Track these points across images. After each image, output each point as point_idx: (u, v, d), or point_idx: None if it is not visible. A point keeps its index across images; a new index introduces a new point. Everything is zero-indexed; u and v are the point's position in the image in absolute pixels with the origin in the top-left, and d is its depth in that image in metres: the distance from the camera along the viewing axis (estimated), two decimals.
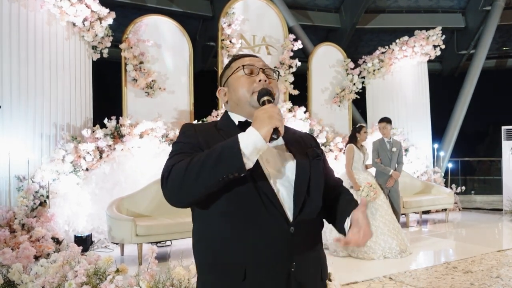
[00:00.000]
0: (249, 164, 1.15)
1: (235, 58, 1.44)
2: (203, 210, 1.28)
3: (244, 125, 1.33)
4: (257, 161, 1.21)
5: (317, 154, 1.41)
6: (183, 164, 1.18)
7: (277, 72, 1.43)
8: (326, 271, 1.42)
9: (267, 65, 1.41)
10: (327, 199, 1.44)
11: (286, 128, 1.42)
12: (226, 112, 1.44)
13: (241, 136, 1.15)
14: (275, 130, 1.15)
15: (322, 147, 7.83)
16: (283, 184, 1.29)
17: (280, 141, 1.37)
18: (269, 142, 1.17)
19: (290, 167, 1.32)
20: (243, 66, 1.37)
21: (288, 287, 1.24)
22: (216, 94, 1.46)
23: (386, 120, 6.00)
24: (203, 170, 1.15)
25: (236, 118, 1.39)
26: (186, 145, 1.30)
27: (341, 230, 1.38)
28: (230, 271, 1.24)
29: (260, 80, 1.34)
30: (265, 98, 1.27)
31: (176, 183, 1.19)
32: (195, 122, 6.62)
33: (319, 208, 1.37)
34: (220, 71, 7.30)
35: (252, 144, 1.13)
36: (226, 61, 7.35)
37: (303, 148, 1.41)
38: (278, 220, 1.24)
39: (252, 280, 1.22)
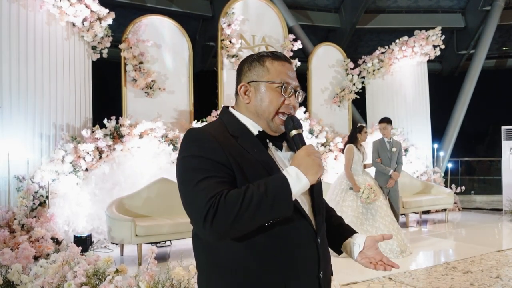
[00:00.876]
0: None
1: (272, 57, 1.32)
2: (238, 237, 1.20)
3: (264, 137, 1.30)
4: None
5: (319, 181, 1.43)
6: (234, 202, 1.10)
7: (304, 94, 1.36)
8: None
9: (298, 84, 1.34)
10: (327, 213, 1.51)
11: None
12: (231, 113, 1.35)
13: (292, 181, 1.15)
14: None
15: (322, 148, 7.85)
16: (302, 196, 1.29)
17: (285, 146, 1.37)
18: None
19: None
20: (283, 84, 1.28)
21: None
22: (237, 88, 1.34)
23: (386, 121, 5.98)
24: (258, 213, 1.11)
25: (250, 124, 1.31)
26: (214, 165, 1.17)
27: (337, 249, 1.48)
28: (270, 286, 1.21)
29: (289, 104, 1.29)
30: (296, 132, 1.26)
31: (227, 223, 1.10)
32: (195, 124, 6.61)
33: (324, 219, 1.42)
34: (220, 71, 7.32)
35: (301, 190, 1.18)
36: (226, 61, 7.35)
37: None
38: (309, 232, 1.27)
39: None
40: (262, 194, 1.11)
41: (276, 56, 1.33)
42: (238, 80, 1.35)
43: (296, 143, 1.26)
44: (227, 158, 1.18)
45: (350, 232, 1.47)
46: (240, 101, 1.34)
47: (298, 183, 1.15)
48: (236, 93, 1.35)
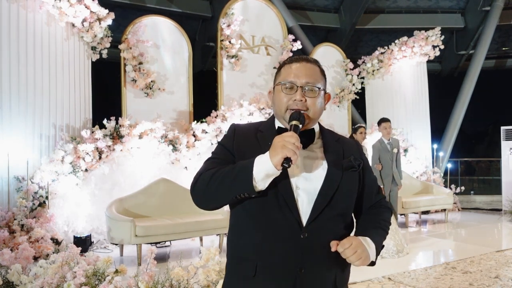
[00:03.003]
0: (260, 187, 1.24)
1: (288, 62, 1.44)
2: (233, 206, 1.40)
3: (282, 131, 1.36)
4: None
5: (352, 166, 1.39)
6: (208, 176, 1.30)
7: (317, 88, 1.39)
8: (344, 278, 1.47)
9: (310, 80, 1.38)
10: (359, 217, 1.51)
11: (330, 133, 1.50)
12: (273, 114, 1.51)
13: (257, 162, 1.23)
14: (287, 159, 1.19)
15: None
16: (307, 190, 1.33)
17: (319, 146, 1.42)
18: (282, 169, 1.21)
19: (320, 175, 1.35)
20: (284, 84, 1.39)
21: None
22: (267, 94, 1.52)
23: (389, 120, 6.00)
24: (220, 187, 1.28)
25: (277, 123, 1.45)
26: (222, 149, 1.42)
27: None
28: (245, 264, 1.33)
29: (295, 100, 1.36)
30: (294, 122, 1.31)
31: (200, 192, 1.33)
32: (195, 124, 6.60)
33: (341, 218, 1.38)
34: (219, 72, 7.33)
35: (264, 171, 1.22)
36: (225, 61, 7.36)
37: (340, 157, 1.41)
38: (291, 224, 1.30)
39: (262, 277, 1.30)
40: (229, 170, 1.27)
41: (290, 59, 1.45)
42: None
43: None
44: (233, 146, 1.40)
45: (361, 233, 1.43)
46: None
47: (261, 164, 1.22)
48: None
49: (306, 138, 1.37)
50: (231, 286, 1.39)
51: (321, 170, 1.36)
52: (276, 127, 1.43)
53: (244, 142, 1.40)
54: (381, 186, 5.71)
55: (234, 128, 1.46)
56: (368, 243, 1.36)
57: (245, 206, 1.34)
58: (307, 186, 1.33)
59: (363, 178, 1.46)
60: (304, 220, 1.30)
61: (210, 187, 1.29)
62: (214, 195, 1.30)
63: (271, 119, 1.48)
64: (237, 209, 1.38)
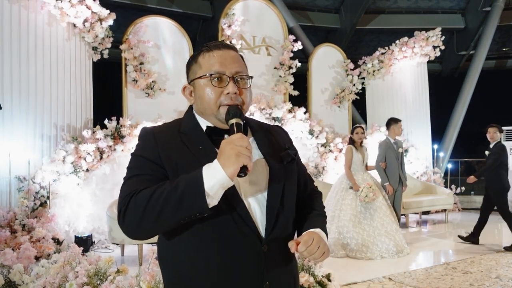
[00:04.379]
0: (213, 202, 1.07)
1: (205, 50, 1.25)
2: (171, 236, 1.18)
3: (212, 131, 1.22)
4: None
5: (291, 157, 1.27)
6: (143, 200, 1.07)
7: (250, 78, 1.25)
8: (298, 279, 1.35)
9: (239, 69, 1.23)
10: (299, 209, 1.34)
11: (256, 124, 1.33)
12: (191, 110, 1.31)
13: (206, 174, 1.05)
14: (243, 168, 1.05)
15: (322, 148, 7.84)
16: (255, 195, 1.19)
17: (251, 141, 1.26)
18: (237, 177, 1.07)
19: (263, 175, 1.21)
20: (211, 75, 1.20)
21: None
22: (181, 91, 1.32)
23: (401, 120, 6.04)
24: (164, 211, 1.05)
25: (203, 122, 1.26)
26: (144, 163, 1.17)
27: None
28: None
29: (228, 93, 1.19)
30: (234, 121, 1.14)
31: (135, 221, 1.09)
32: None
33: (291, 218, 1.27)
34: None
35: (217, 184, 1.04)
36: None
37: (276, 149, 1.28)
38: (250, 239, 1.15)
39: None
40: (171, 190, 1.05)
41: (208, 47, 1.25)
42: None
43: (232, 133, 1.13)
44: (159, 156, 1.16)
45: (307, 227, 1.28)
46: (192, 104, 1.31)
47: (212, 176, 1.04)
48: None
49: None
50: None
51: (263, 169, 1.21)
52: (205, 127, 1.23)
53: (170, 150, 1.17)
54: (386, 184, 5.72)
55: (152, 134, 1.21)
56: (323, 235, 1.25)
57: (194, 231, 1.13)
58: (254, 191, 1.18)
59: (298, 167, 1.34)
60: (262, 231, 1.16)
61: (148, 213, 1.06)
62: (156, 222, 1.06)
63: (191, 118, 1.27)
64: (181, 238, 1.15)
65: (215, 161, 1.06)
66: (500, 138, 5.94)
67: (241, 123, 1.15)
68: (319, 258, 1.17)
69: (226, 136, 1.15)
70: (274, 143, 1.30)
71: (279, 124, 7.15)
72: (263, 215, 1.18)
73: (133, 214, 1.08)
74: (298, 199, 1.33)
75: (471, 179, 5.77)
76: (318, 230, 1.24)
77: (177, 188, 1.05)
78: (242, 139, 1.06)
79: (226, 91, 1.19)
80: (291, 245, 1.15)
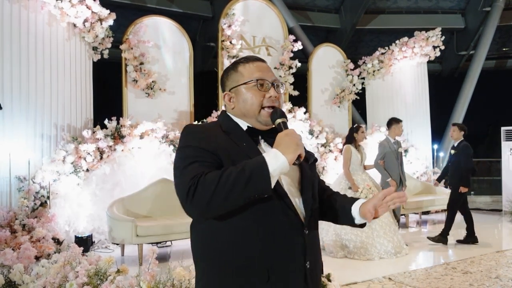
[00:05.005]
0: (273, 184, 1.22)
1: (244, 61, 1.44)
2: (226, 217, 1.28)
3: (252, 131, 1.39)
4: None
5: (314, 158, 1.46)
6: (212, 180, 1.19)
7: (284, 84, 1.47)
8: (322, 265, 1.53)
9: (275, 77, 1.43)
10: (322, 201, 1.52)
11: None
12: (226, 114, 1.45)
13: (269, 160, 1.20)
14: (298, 156, 1.23)
15: (322, 148, 7.86)
16: (292, 187, 1.37)
17: None
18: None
19: (295, 170, 1.39)
20: (257, 80, 1.38)
21: (306, 283, 1.32)
22: (222, 98, 1.50)
23: (402, 120, 6.07)
24: (233, 190, 1.18)
25: (243, 123, 1.42)
26: (202, 152, 1.29)
27: (349, 220, 1.47)
28: (251, 273, 1.27)
29: (270, 97, 1.38)
30: (280, 120, 1.33)
31: (205, 199, 1.19)
32: (195, 123, 6.63)
33: (318, 210, 1.45)
34: (220, 72, 7.30)
35: (279, 169, 1.20)
36: (226, 62, 7.37)
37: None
38: (295, 223, 1.32)
39: (275, 281, 1.28)
40: (239, 172, 1.18)
41: (246, 59, 1.45)
42: (222, 91, 1.48)
43: (280, 130, 1.31)
44: (216, 148, 1.29)
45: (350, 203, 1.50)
46: (228, 109, 1.47)
47: (275, 161, 1.19)
48: (225, 104, 1.48)
49: (273, 137, 1.34)
50: None
51: (295, 166, 1.35)
52: (245, 127, 1.40)
53: (221, 143, 1.32)
54: (388, 180, 5.71)
55: (203, 130, 1.37)
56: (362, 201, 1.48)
57: (242, 213, 1.26)
58: (291, 183, 1.37)
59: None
60: (302, 218, 1.34)
61: (218, 192, 1.18)
62: (225, 200, 1.19)
63: (228, 120, 1.43)
64: (225, 218, 1.27)
65: (274, 149, 1.22)
66: (463, 137, 6.01)
67: (286, 121, 1.34)
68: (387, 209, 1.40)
69: (262, 140, 1.39)
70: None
71: None
72: (301, 204, 1.36)
73: (204, 192, 1.19)
74: (321, 197, 1.52)
75: (464, 189, 5.80)
76: (359, 201, 1.47)
77: (244, 171, 1.18)
78: (297, 133, 1.25)
79: (269, 95, 1.38)
80: (370, 215, 1.37)
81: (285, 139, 1.24)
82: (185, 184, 1.21)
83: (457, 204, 5.91)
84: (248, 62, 1.43)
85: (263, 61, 1.46)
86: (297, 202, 1.35)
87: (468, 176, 5.86)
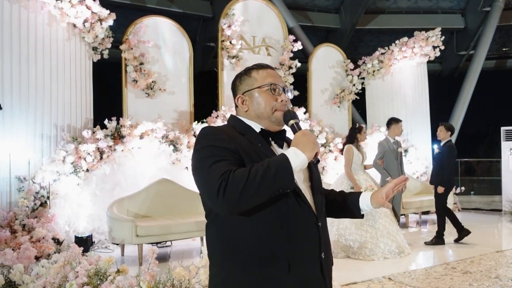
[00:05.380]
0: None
1: (256, 68, 1.55)
2: (251, 212, 1.35)
3: (265, 133, 1.48)
4: None
5: (317, 160, 1.50)
6: (242, 177, 1.26)
7: (292, 91, 1.57)
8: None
9: (285, 84, 1.55)
10: (327, 198, 1.62)
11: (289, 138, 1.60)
12: (237, 118, 1.54)
13: (291, 157, 1.30)
14: (315, 154, 1.34)
15: (322, 148, 7.86)
16: (304, 184, 1.48)
17: (288, 145, 1.53)
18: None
19: (305, 170, 1.49)
20: (270, 85, 1.49)
21: (322, 272, 1.42)
22: (235, 101, 1.56)
23: (401, 120, 6.08)
24: (261, 185, 1.26)
25: (253, 124, 1.50)
26: (225, 151, 1.35)
27: (356, 212, 1.59)
28: (274, 263, 1.34)
29: (282, 101, 1.48)
30: (293, 121, 1.44)
31: (236, 195, 1.26)
32: (195, 124, 6.62)
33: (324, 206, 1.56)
34: (220, 72, 7.34)
35: (300, 165, 1.31)
36: (226, 62, 7.37)
37: None
38: (310, 215, 1.42)
39: (296, 271, 1.35)
40: (265, 169, 1.27)
41: (260, 66, 1.56)
42: (234, 94, 1.58)
43: (294, 130, 1.43)
44: (236, 147, 1.37)
45: (357, 197, 1.61)
46: (239, 111, 1.55)
47: (296, 158, 1.30)
48: (236, 106, 1.57)
49: (282, 138, 1.51)
50: None
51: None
52: (258, 129, 1.49)
53: (240, 144, 1.40)
54: (388, 179, 5.72)
55: (222, 131, 1.43)
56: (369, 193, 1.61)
57: (261, 207, 1.33)
58: (303, 180, 1.47)
59: None
60: (314, 211, 1.44)
61: (248, 188, 1.25)
62: (254, 195, 1.27)
63: (240, 122, 1.51)
64: (265, 211, 1.34)
65: (293, 148, 1.33)
66: (450, 137, 6.01)
67: (299, 121, 1.45)
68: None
69: (272, 142, 1.49)
70: None
71: None
72: (312, 199, 1.46)
73: (234, 188, 1.25)
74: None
75: (440, 189, 5.81)
76: (364, 194, 1.59)
77: (269, 167, 1.27)
78: (312, 133, 1.38)
79: (281, 99, 1.49)
80: (385, 203, 1.52)
81: (302, 138, 1.34)
82: (215, 182, 1.27)
83: (442, 204, 5.93)
84: (261, 68, 1.54)
85: (273, 69, 1.57)
86: (308, 195, 1.45)
87: (450, 176, 5.85)
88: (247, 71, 1.56)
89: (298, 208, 1.39)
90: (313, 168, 1.52)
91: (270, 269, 1.34)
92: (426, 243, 5.87)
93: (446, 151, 5.85)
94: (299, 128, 1.42)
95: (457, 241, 5.94)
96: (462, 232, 5.90)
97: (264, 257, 1.34)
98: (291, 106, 1.54)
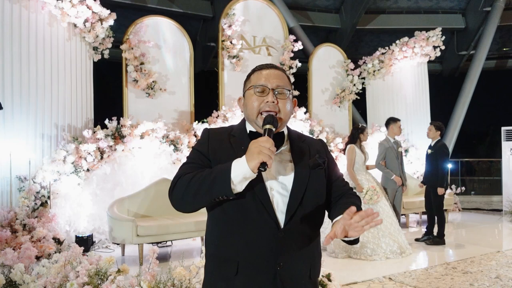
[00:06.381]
0: (238, 189, 1.30)
1: (258, 69, 1.53)
2: (210, 210, 1.46)
3: (255, 135, 1.45)
4: None
5: (318, 164, 1.48)
6: (186, 180, 1.36)
7: (289, 91, 1.49)
8: (316, 270, 1.51)
9: (280, 83, 1.47)
10: (332, 204, 1.54)
11: (296, 135, 1.57)
12: (244, 119, 1.57)
13: (234, 166, 1.29)
14: (263, 164, 1.25)
15: None
16: (280, 192, 1.42)
17: (287, 149, 1.50)
18: (258, 172, 1.28)
19: (289, 176, 1.44)
20: (254, 87, 1.47)
21: (274, 284, 1.37)
22: (237, 101, 1.60)
23: (400, 120, 6.07)
24: (199, 190, 1.33)
25: (249, 127, 1.52)
26: (197, 154, 1.47)
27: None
28: (226, 264, 1.40)
29: (267, 102, 1.44)
30: (267, 126, 1.37)
31: (179, 196, 1.38)
32: (196, 124, 6.63)
33: (312, 216, 1.45)
34: (220, 72, 7.35)
35: (241, 175, 1.28)
36: (226, 62, 7.38)
37: (307, 157, 1.50)
38: (268, 224, 1.37)
39: (243, 274, 1.37)
40: (207, 175, 1.33)
41: (261, 67, 1.53)
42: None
43: (264, 135, 1.38)
44: (208, 151, 1.46)
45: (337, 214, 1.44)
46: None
47: (238, 167, 1.28)
48: None
49: (277, 141, 1.42)
50: (212, 286, 1.45)
51: (290, 172, 1.44)
52: (248, 131, 1.50)
53: (219, 147, 1.46)
54: (392, 177, 5.77)
55: (208, 133, 1.52)
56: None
57: (225, 210, 1.39)
58: (280, 187, 1.42)
59: (329, 174, 1.54)
60: (281, 220, 1.39)
61: (188, 191, 1.34)
62: (193, 198, 1.34)
63: (242, 124, 1.55)
64: (216, 212, 1.43)
65: (243, 156, 1.29)
66: (441, 136, 6.03)
67: (273, 129, 1.38)
68: (358, 233, 1.28)
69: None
70: (306, 152, 1.51)
71: None
72: (284, 207, 1.40)
73: (178, 191, 1.37)
74: (329, 200, 1.53)
75: (441, 190, 5.81)
76: (338, 217, 1.39)
77: (211, 174, 1.32)
78: (267, 141, 1.27)
79: (266, 100, 1.45)
80: (328, 239, 1.31)
81: (251, 146, 1.29)
82: (172, 181, 1.41)
83: (440, 205, 5.94)
84: (261, 69, 1.51)
85: (276, 68, 1.51)
86: (281, 203, 1.40)
87: (444, 177, 5.85)
88: (251, 71, 1.56)
89: (256, 213, 1.37)
90: (300, 173, 1.43)
91: (224, 268, 1.40)
92: (426, 243, 5.89)
93: (439, 151, 5.85)
94: (269, 134, 1.36)
95: (418, 240, 6.05)
96: (435, 238, 5.90)
97: (222, 257, 1.41)
98: (287, 108, 1.48)
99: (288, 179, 1.43)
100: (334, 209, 1.50)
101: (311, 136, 1.70)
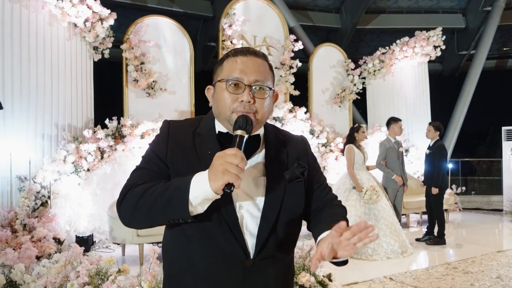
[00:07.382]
0: (198, 210, 1.08)
1: (233, 54, 1.23)
2: (169, 227, 1.24)
3: (224, 137, 1.23)
4: None
5: (296, 177, 1.24)
6: (138, 193, 1.12)
7: (270, 89, 1.22)
8: None
9: (259, 78, 1.20)
10: (312, 214, 1.32)
11: (275, 135, 1.31)
12: (212, 112, 1.31)
13: (194, 183, 1.05)
14: (229, 185, 1.02)
15: (323, 148, 7.83)
16: (250, 211, 1.19)
17: (262, 156, 1.25)
18: (223, 193, 1.05)
19: (262, 192, 1.20)
20: (227, 81, 1.19)
21: None
22: (205, 91, 1.33)
23: (401, 120, 6.08)
24: (151, 209, 1.10)
25: (218, 126, 1.26)
26: (153, 158, 1.22)
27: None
28: (182, 286, 1.21)
29: (242, 101, 1.17)
30: (239, 133, 1.11)
31: (127, 212, 1.15)
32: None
33: (288, 238, 1.25)
34: None
35: (202, 195, 1.05)
36: None
37: (284, 165, 1.25)
38: (236, 251, 1.16)
39: None
40: (162, 192, 1.08)
41: (236, 52, 1.23)
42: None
43: (233, 145, 1.10)
44: (166, 155, 1.21)
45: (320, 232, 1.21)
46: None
47: (199, 187, 1.04)
48: None
49: (250, 147, 1.19)
50: None
51: (262, 186, 1.20)
52: (217, 132, 1.24)
53: (180, 147, 1.21)
54: (393, 177, 5.78)
55: (168, 128, 1.26)
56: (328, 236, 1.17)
57: (185, 231, 1.18)
58: (250, 205, 1.18)
59: (310, 182, 1.30)
60: (250, 245, 1.16)
61: (139, 207, 1.11)
62: (144, 217, 1.12)
63: (211, 120, 1.28)
64: (175, 231, 1.22)
65: (206, 171, 1.05)
66: (440, 136, 6.03)
67: (245, 136, 1.11)
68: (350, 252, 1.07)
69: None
70: (284, 159, 1.26)
71: (279, 124, 7.16)
72: (255, 230, 1.18)
73: (127, 206, 1.13)
74: (308, 210, 1.31)
75: (435, 190, 5.82)
76: (323, 234, 1.17)
77: (166, 190, 1.08)
78: (235, 156, 1.02)
79: (240, 99, 1.18)
80: (315, 262, 1.08)
81: (215, 162, 1.03)
82: (122, 190, 1.16)
83: (439, 204, 5.96)
84: (237, 55, 1.22)
85: (256, 55, 1.22)
86: (251, 225, 1.17)
87: (440, 176, 5.85)
88: (225, 56, 1.26)
89: (221, 239, 1.14)
90: (273, 188, 1.19)
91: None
92: (427, 243, 5.89)
93: (437, 151, 5.86)
94: (238, 145, 1.09)
95: (418, 240, 6.07)
96: (435, 238, 5.90)
97: (175, 275, 1.23)
98: (266, 107, 1.22)
99: (259, 195, 1.19)
100: (317, 222, 1.25)
101: (292, 132, 1.36)
